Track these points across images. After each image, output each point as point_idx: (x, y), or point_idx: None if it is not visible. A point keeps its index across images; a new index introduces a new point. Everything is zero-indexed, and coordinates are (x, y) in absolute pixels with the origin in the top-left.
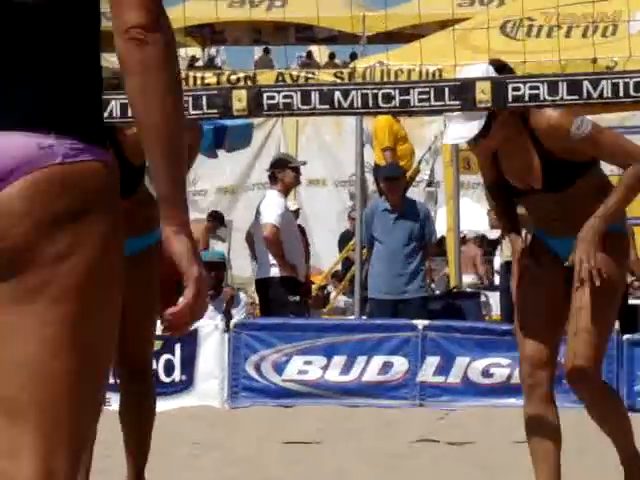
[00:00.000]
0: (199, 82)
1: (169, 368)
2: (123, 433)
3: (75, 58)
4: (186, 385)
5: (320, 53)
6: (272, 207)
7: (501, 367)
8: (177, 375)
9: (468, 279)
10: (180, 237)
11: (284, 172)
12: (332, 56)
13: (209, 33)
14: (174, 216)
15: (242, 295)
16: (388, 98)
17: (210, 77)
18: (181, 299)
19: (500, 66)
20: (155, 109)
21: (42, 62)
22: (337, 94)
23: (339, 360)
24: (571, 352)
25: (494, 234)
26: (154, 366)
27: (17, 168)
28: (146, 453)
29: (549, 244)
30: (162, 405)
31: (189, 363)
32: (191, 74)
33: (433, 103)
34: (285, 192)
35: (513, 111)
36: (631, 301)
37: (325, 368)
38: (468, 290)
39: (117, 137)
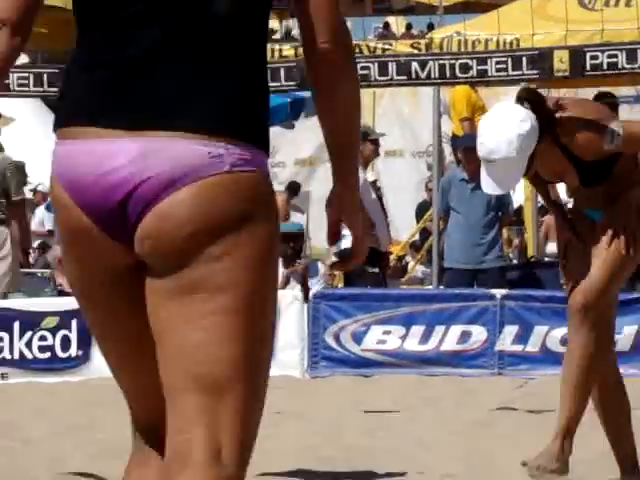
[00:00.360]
0: (277, 54)
1: None
2: None
3: (250, 69)
4: None
5: (397, 24)
6: None
7: None
8: None
9: (552, 248)
10: (348, 193)
11: (363, 144)
12: (409, 27)
13: (287, 5)
14: (346, 180)
15: (320, 265)
16: (465, 68)
17: (288, 49)
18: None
19: (534, 98)
20: (349, 113)
21: (221, 73)
22: (414, 65)
23: (417, 330)
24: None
25: None
26: None
27: (186, 175)
28: None
29: (588, 214)
30: None
31: None
32: (269, 46)
33: (511, 73)
34: (364, 164)
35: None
36: None
37: (404, 337)
38: (546, 260)
39: None
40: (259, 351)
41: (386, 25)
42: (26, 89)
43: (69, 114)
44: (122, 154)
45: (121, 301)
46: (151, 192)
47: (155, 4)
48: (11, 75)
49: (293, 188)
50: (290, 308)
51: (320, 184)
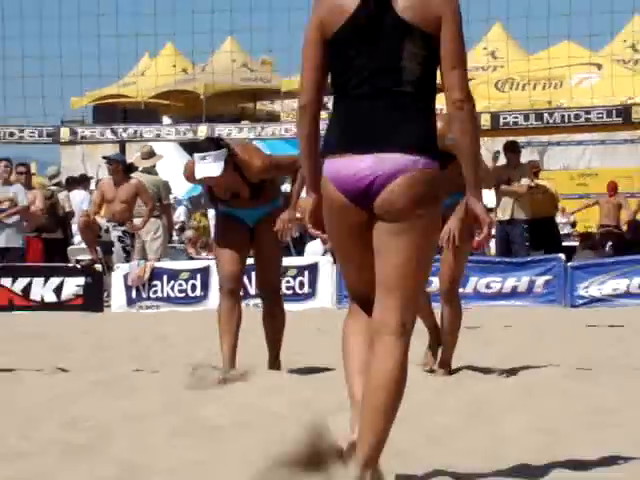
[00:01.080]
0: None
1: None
2: (265, 333)
3: (429, 111)
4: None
5: None
6: None
7: None
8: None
9: None
10: (477, 201)
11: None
12: None
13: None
14: (475, 193)
15: None
16: None
17: (324, 115)
18: (477, 235)
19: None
20: (469, 142)
21: (414, 115)
22: None
23: None
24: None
25: None
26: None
27: (399, 171)
28: (278, 345)
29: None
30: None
31: None
32: None
33: None
34: None
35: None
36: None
37: None
38: None
39: (237, 162)
40: (425, 268)
41: None
42: (170, 137)
43: (334, 145)
44: (364, 164)
45: (358, 239)
46: (382, 181)
47: (375, 89)
48: (162, 128)
49: None
50: (326, 266)
51: None
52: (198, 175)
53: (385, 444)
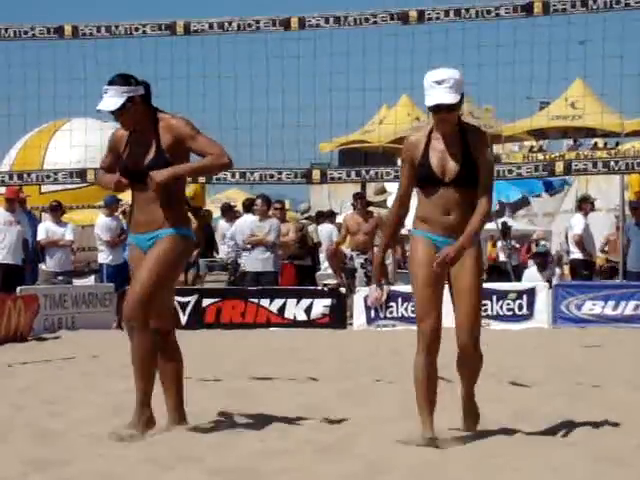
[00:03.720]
0: (534, 158)
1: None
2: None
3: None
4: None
5: (600, 142)
6: (579, 223)
7: None
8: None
9: None
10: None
11: (585, 203)
12: (606, 144)
13: (540, 135)
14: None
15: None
16: (639, 165)
17: (540, 156)
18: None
19: None
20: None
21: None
22: (611, 163)
23: (612, 303)
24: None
25: None
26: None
27: None
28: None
29: None
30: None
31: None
32: (530, 155)
33: None
34: (585, 215)
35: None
36: None
37: (603, 307)
38: None
39: None
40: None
41: (595, 143)
42: None
43: None
44: None
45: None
46: None
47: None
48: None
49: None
50: (543, 291)
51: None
52: (98, 107)
53: None
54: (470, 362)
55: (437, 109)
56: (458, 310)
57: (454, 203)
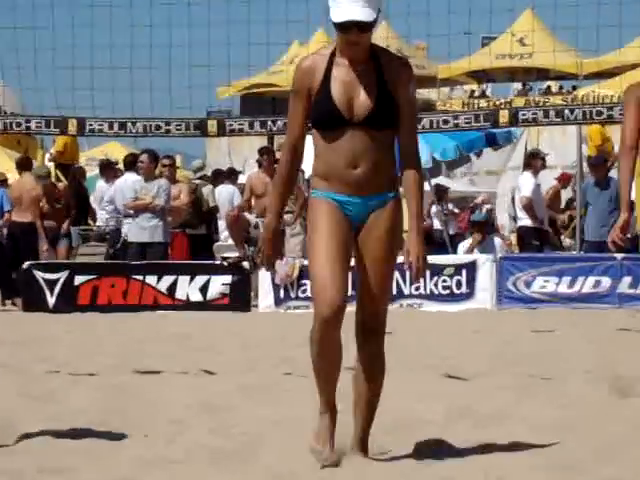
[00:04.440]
0: (476, 106)
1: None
2: None
3: None
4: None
5: (553, 86)
6: (527, 184)
7: None
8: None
9: None
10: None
11: (535, 160)
12: (561, 88)
13: (483, 76)
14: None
15: (497, 240)
16: (599, 113)
17: (482, 103)
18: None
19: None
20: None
21: None
22: (566, 111)
23: (566, 279)
24: None
25: None
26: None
27: None
28: None
29: None
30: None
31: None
32: (471, 101)
33: None
34: (535, 173)
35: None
36: None
37: (557, 284)
38: None
39: None
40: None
41: (548, 87)
42: None
43: None
44: None
45: None
46: None
47: None
48: None
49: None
50: (485, 265)
51: (503, 186)
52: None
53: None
54: (374, 346)
55: (346, 27)
56: (364, 280)
57: (363, 151)
